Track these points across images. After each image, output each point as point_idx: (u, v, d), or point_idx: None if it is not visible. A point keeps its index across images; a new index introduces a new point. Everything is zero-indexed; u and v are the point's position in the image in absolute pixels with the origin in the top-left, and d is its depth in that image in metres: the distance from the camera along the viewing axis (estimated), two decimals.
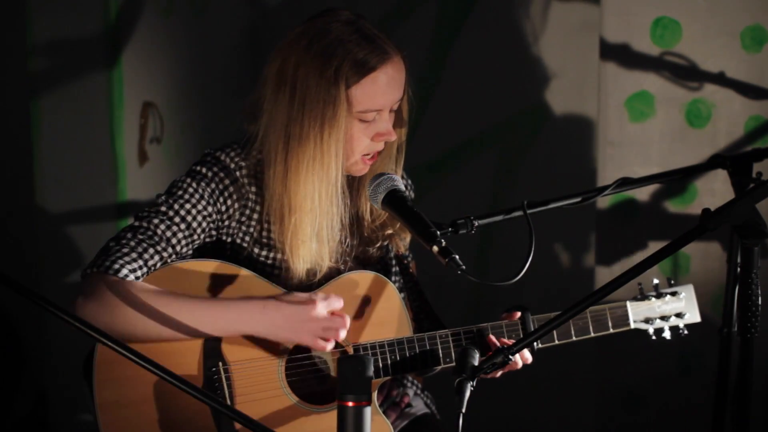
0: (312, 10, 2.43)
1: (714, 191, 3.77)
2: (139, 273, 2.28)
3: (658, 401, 3.90)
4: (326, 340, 2.31)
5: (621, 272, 2.10)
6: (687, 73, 3.74)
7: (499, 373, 2.41)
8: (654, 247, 3.75)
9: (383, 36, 2.37)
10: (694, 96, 3.75)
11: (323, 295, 2.32)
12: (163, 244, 2.32)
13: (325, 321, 2.30)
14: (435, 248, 2.23)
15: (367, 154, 2.41)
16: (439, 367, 2.50)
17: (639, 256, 3.84)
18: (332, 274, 2.47)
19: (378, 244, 2.57)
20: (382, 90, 2.34)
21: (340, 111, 2.31)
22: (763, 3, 3.68)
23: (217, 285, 2.35)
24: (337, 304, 2.33)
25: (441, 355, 2.47)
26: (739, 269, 2.23)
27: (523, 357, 2.46)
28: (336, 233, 2.43)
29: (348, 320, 2.33)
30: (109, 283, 2.23)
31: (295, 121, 2.33)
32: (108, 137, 3.56)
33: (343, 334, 2.32)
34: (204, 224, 2.38)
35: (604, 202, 3.84)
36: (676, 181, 3.70)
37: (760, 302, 2.22)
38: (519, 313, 2.54)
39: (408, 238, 2.61)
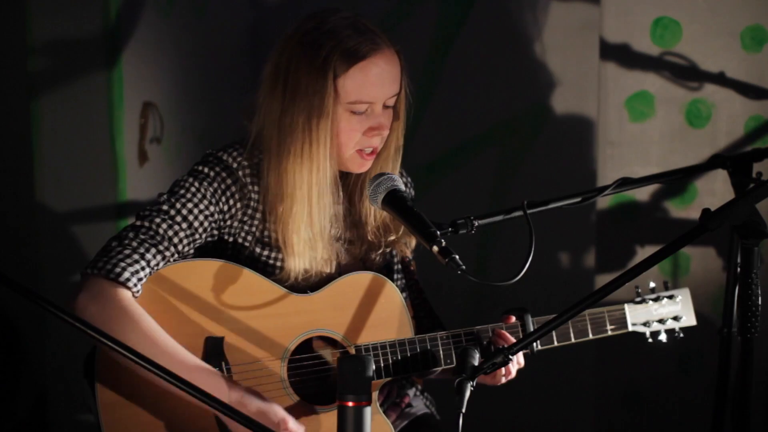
0: (312, 10, 2.43)
1: (714, 191, 3.77)
2: (142, 274, 2.28)
3: (657, 401, 3.90)
4: None
5: (621, 272, 2.10)
6: (687, 73, 3.74)
7: (499, 379, 2.43)
8: (654, 247, 3.75)
9: (378, 30, 2.37)
10: (694, 96, 3.75)
11: (295, 423, 2.25)
12: (165, 243, 2.32)
13: None
14: (435, 248, 2.23)
15: (363, 149, 2.41)
16: (439, 369, 2.50)
17: (639, 256, 3.84)
18: (332, 276, 2.47)
19: (380, 250, 2.56)
20: (371, 81, 2.33)
21: (328, 100, 2.31)
22: (763, 3, 3.68)
23: (220, 285, 2.35)
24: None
25: (441, 356, 2.47)
26: (739, 269, 2.22)
27: (516, 360, 2.46)
28: (327, 224, 2.42)
29: None
30: (110, 292, 2.23)
31: (287, 112, 2.33)
32: (108, 137, 3.56)
33: None
34: (206, 224, 2.38)
35: (604, 202, 3.84)
36: (676, 181, 3.70)
37: (760, 302, 2.21)
38: (519, 315, 2.54)
39: (412, 243, 2.60)
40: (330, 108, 2.32)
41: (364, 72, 2.33)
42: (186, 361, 2.24)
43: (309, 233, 2.39)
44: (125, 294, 2.25)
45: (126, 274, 2.25)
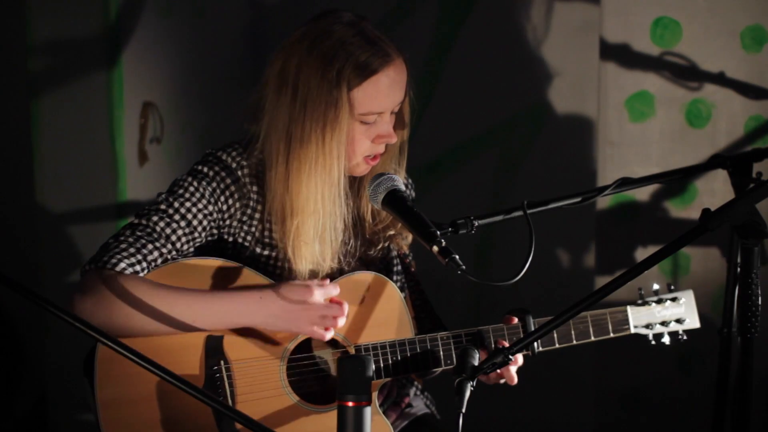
0: (312, 10, 2.42)
1: (714, 191, 3.77)
2: (138, 267, 2.28)
3: (658, 401, 3.90)
4: (325, 328, 2.32)
5: (621, 272, 2.10)
6: (687, 73, 3.75)
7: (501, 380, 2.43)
8: (654, 247, 3.75)
9: (385, 38, 2.36)
10: (694, 96, 3.75)
11: (319, 283, 2.33)
12: (162, 241, 2.32)
13: (322, 309, 2.31)
14: (435, 248, 2.23)
15: (369, 155, 2.42)
16: (440, 369, 2.50)
17: (639, 256, 3.84)
18: (334, 274, 2.47)
19: (379, 246, 2.56)
20: (383, 93, 2.34)
21: (342, 113, 2.31)
22: (763, 3, 3.68)
23: (220, 283, 2.35)
24: (334, 291, 2.34)
25: (442, 356, 2.47)
26: (739, 269, 2.22)
27: (514, 359, 2.45)
28: (338, 234, 2.43)
29: (346, 307, 2.34)
30: (106, 278, 2.23)
31: (297, 123, 2.33)
32: (108, 137, 3.56)
33: (341, 322, 2.33)
34: (205, 222, 2.38)
35: (604, 202, 3.85)
36: (676, 181, 3.70)
37: (760, 302, 2.21)
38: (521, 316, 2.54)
39: (410, 237, 2.61)
40: (344, 120, 2.32)
41: (377, 84, 2.33)
42: (203, 300, 2.27)
43: (319, 244, 2.39)
44: (121, 275, 2.25)
45: (122, 265, 2.25)
